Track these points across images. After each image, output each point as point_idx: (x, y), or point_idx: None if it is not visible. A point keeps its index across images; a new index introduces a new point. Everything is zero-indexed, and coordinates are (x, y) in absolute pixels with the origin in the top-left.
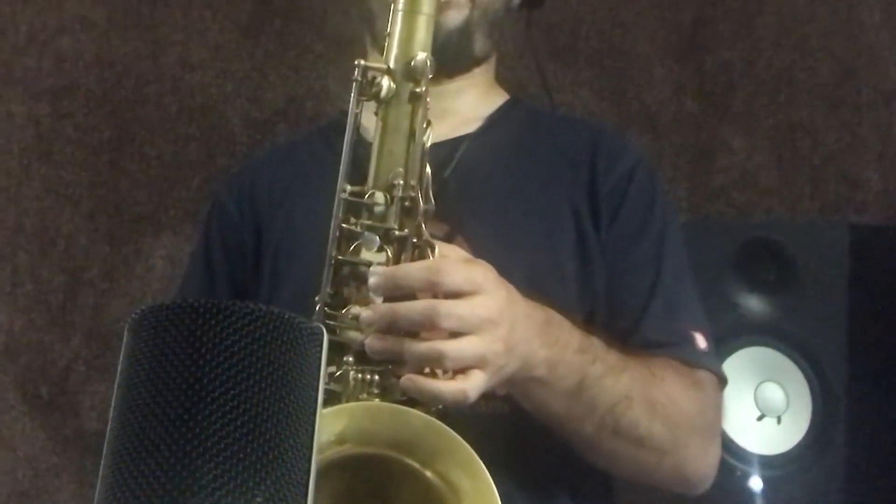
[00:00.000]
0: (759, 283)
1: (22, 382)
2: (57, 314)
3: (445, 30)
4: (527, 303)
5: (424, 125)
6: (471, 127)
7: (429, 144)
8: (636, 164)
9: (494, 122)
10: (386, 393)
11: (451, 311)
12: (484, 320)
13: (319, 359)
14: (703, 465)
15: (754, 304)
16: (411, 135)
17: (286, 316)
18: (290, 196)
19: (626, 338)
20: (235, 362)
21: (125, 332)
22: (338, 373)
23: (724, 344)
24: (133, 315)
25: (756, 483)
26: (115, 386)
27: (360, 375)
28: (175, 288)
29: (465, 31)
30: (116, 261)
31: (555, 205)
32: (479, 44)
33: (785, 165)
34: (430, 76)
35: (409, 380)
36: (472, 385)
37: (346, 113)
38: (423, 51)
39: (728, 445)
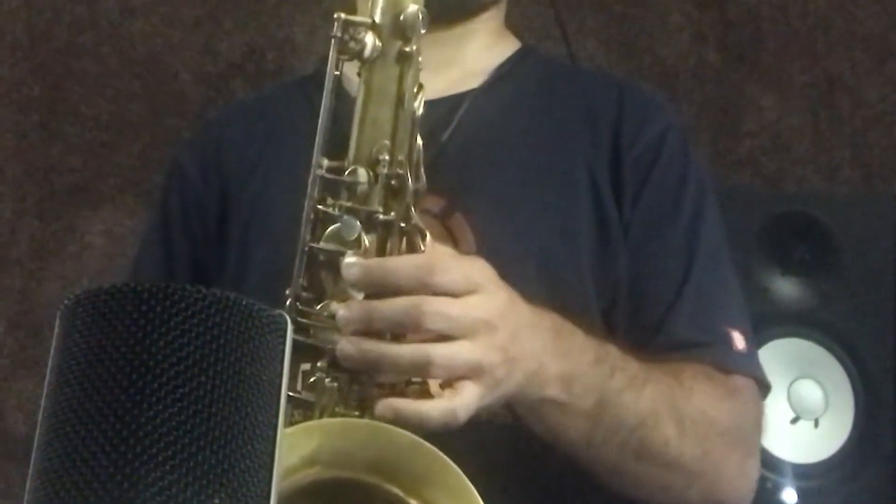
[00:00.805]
0: (793, 264)
1: None
2: None
3: None
4: (531, 308)
5: (415, 89)
6: (474, 81)
7: (420, 112)
8: (667, 129)
9: (503, 75)
10: (366, 405)
11: (439, 309)
12: (479, 322)
13: (283, 352)
14: (740, 484)
15: (787, 288)
16: (399, 101)
17: (244, 302)
18: (263, 161)
19: (651, 336)
20: (185, 355)
21: (57, 320)
22: (311, 380)
23: (754, 335)
24: (66, 300)
25: (790, 496)
26: (45, 383)
27: (335, 384)
28: (124, 271)
29: None
30: (47, 237)
31: (571, 176)
32: None
33: (822, 128)
34: (423, 32)
35: (386, 406)
36: (463, 402)
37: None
38: (415, 2)
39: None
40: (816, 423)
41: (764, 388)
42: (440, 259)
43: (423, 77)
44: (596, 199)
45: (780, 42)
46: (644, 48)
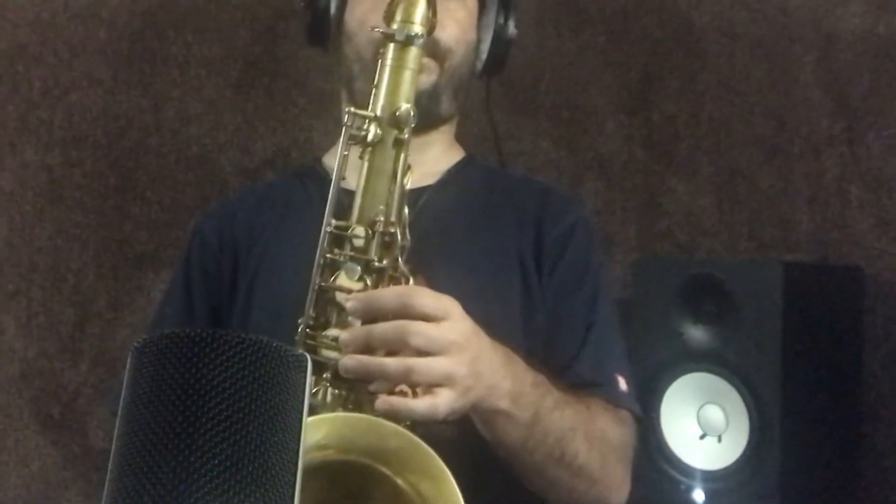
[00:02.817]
0: (702, 315)
1: (35, 404)
2: (67, 342)
3: (416, 91)
4: (489, 338)
5: (405, 168)
6: (431, 179)
7: (408, 186)
8: (577, 222)
9: (451, 177)
10: (360, 408)
11: (420, 330)
12: (452, 343)
13: (304, 383)
14: (621, 492)
15: (697, 334)
16: (393, 177)
17: (274, 345)
18: (266, 230)
19: (560, 374)
20: (228, 387)
21: (129, 359)
22: (316, 389)
23: (670, 370)
24: (136, 343)
25: (699, 496)
26: (119, 407)
27: (336, 391)
28: (156, 306)
29: (434, 93)
30: (121, 294)
31: (504, 254)
32: (446, 105)
33: (724, 208)
34: (413, 125)
35: (383, 401)
36: (442, 400)
37: (318, 160)
38: (407, 102)
39: (674, 461)
40: (720, 439)
41: (638, 420)
42: (418, 290)
43: None
44: (522, 272)
45: (692, 141)
46: (586, 146)
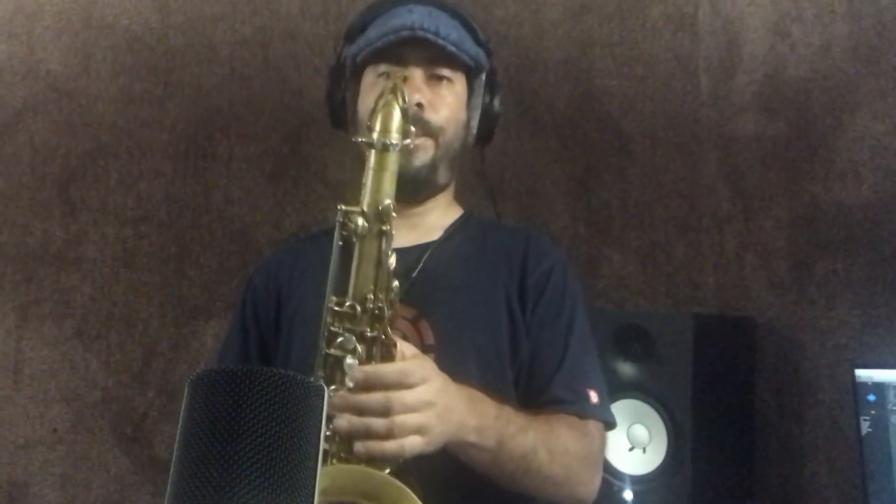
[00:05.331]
0: (630, 355)
1: (113, 424)
2: (137, 375)
3: (416, 167)
4: (457, 386)
5: (389, 253)
6: (434, 235)
7: (393, 266)
8: (555, 264)
9: (452, 232)
10: (351, 453)
11: (402, 400)
12: (426, 403)
13: (322, 407)
14: (589, 489)
15: (627, 369)
16: (379, 261)
17: (299, 378)
18: (302, 281)
19: (539, 395)
20: (264, 412)
21: (186, 389)
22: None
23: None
24: (191, 377)
25: (628, 495)
26: (178, 427)
27: (335, 437)
28: (220, 344)
29: (432, 167)
30: (179, 338)
31: (495, 295)
32: (443, 175)
33: (647, 272)
34: (394, 216)
35: (360, 445)
36: (408, 443)
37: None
38: (388, 198)
39: (609, 468)
40: (644, 450)
41: (610, 425)
42: (408, 367)
43: (401, 233)
44: (509, 309)
45: (622, 220)
46: (541, 224)
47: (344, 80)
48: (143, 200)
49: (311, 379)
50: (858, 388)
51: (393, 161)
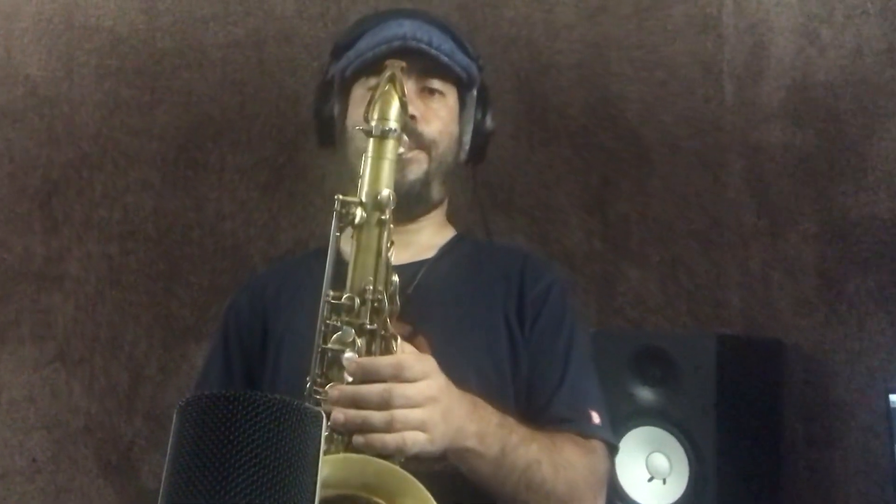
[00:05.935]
0: (649, 379)
1: (97, 453)
2: (123, 401)
3: (410, 181)
4: (459, 391)
5: (389, 244)
6: (429, 254)
7: (392, 259)
8: (553, 283)
9: (446, 251)
10: (350, 448)
11: (402, 392)
12: (428, 398)
13: (320, 435)
14: None
15: (646, 394)
16: (378, 252)
17: (295, 403)
18: (290, 302)
19: (540, 413)
20: (257, 439)
21: (175, 415)
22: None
23: (624, 424)
24: (181, 402)
25: None
26: (167, 454)
27: (335, 435)
28: (199, 370)
29: (425, 180)
30: (168, 361)
31: (492, 314)
32: (436, 191)
33: (668, 290)
34: (392, 206)
35: (360, 437)
36: (410, 438)
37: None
38: (387, 188)
39: (627, 500)
40: (664, 481)
41: (612, 448)
42: (406, 359)
43: (396, 251)
44: (508, 328)
45: (641, 235)
46: (554, 239)
47: (332, 96)
48: (130, 214)
49: (308, 405)
50: (893, 413)
51: (391, 149)
